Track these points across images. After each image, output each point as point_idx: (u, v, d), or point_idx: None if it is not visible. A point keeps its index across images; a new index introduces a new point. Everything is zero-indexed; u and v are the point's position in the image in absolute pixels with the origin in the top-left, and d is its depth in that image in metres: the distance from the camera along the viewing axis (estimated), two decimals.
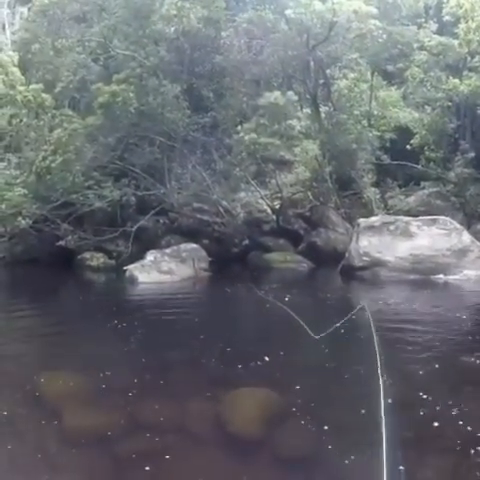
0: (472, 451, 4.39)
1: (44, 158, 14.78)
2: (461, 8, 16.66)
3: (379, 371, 4.53)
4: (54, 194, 14.71)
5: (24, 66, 17.69)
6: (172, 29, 15.60)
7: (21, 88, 16.23)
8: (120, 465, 4.38)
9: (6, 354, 7.23)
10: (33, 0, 17.60)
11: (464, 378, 6.29)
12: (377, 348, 4.84)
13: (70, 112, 16.08)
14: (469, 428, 4.79)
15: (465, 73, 17.50)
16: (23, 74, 17.19)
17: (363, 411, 5.04)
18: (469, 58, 17.61)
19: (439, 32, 18.27)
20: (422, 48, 17.48)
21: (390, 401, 4.40)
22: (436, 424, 4.88)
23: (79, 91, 16.72)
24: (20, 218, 14.49)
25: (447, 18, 17.40)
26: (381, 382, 4.26)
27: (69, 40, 16.57)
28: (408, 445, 4.19)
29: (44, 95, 16.00)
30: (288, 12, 15.54)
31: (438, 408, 5.19)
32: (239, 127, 14.91)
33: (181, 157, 15.52)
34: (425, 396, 5.47)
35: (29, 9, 18.89)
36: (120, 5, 16.56)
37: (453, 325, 8.99)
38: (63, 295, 12.54)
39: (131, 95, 14.77)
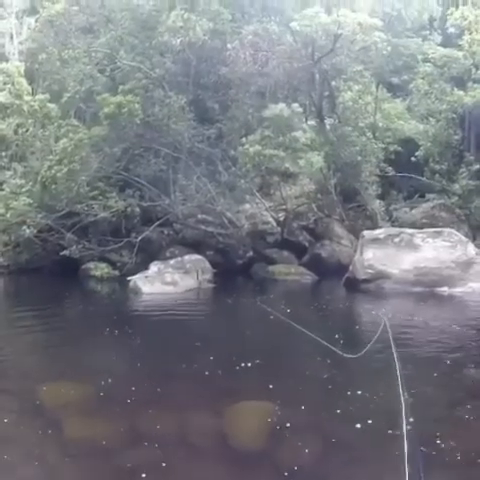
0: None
1: (49, 168, 14.88)
2: (465, 20, 16.75)
3: (400, 389, 4.46)
4: (59, 204, 14.77)
5: (31, 76, 17.90)
6: (178, 41, 15.69)
7: (27, 98, 16.41)
8: (119, 476, 4.39)
9: (8, 363, 7.29)
10: (40, 11, 17.77)
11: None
12: (398, 366, 4.79)
13: (76, 122, 16.18)
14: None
15: (470, 85, 17.53)
16: (29, 84, 17.40)
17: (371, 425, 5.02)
18: (474, 70, 17.65)
19: (443, 44, 18.36)
20: (426, 60, 17.54)
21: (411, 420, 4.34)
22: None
23: (85, 102, 16.80)
24: (25, 227, 14.57)
25: (451, 30, 17.54)
26: (402, 399, 4.22)
27: (76, 51, 16.66)
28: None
29: (50, 105, 16.17)
30: (293, 24, 15.65)
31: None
32: (244, 139, 14.97)
33: (186, 168, 15.53)
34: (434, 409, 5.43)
35: (36, 20, 19.05)
36: (126, 17, 16.71)
37: (455, 338, 8.96)
38: (66, 305, 12.55)
39: (137, 106, 14.85)
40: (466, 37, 16.48)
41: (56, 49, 16.78)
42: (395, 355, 5.16)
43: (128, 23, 16.70)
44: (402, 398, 4.37)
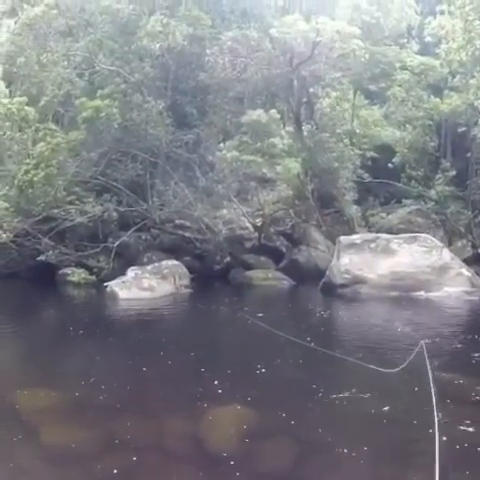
0: None
1: (26, 172, 14.77)
2: (443, 29, 16.94)
3: (431, 383, 4.34)
4: (36, 208, 14.68)
5: (9, 79, 17.73)
6: (157, 45, 15.71)
7: (5, 101, 16.23)
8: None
9: None
10: (20, 13, 17.61)
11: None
12: (432, 385, 4.68)
13: (53, 126, 16.11)
14: None
15: (446, 92, 17.82)
16: (7, 87, 17.23)
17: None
18: (450, 78, 17.93)
19: (421, 52, 18.64)
20: (404, 68, 17.75)
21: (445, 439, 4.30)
22: None
23: (63, 105, 16.73)
24: (1, 232, 14.39)
25: (429, 39, 17.70)
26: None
27: (54, 54, 16.53)
28: None
29: (28, 108, 16.01)
30: (272, 31, 15.81)
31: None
32: (222, 144, 15.05)
33: (164, 173, 15.56)
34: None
35: (16, 22, 18.86)
36: (106, 20, 16.68)
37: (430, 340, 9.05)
38: (43, 311, 12.47)
39: (115, 110, 14.87)
40: (443, 46, 16.63)
41: (35, 52, 16.64)
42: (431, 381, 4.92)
43: (108, 27, 16.68)
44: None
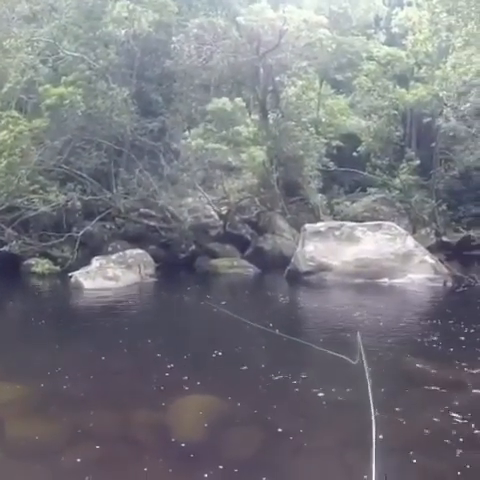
0: None
1: None
2: (409, 21, 17.17)
3: (371, 402, 4.40)
4: None
5: None
6: (123, 32, 15.47)
7: None
8: (62, 475, 4.40)
9: None
10: None
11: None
12: (368, 379, 4.73)
13: (16, 114, 15.73)
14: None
15: (412, 83, 18.13)
16: None
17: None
18: (416, 69, 18.26)
19: (388, 43, 18.91)
20: (370, 58, 18.00)
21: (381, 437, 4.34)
22: None
23: (26, 92, 16.36)
24: None
25: (396, 30, 17.97)
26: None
27: (18, 40, 16.12)
28: None
29: None
30: (239, 19, 15.76)
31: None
32: (187, 132, 14.99)
33: (128, 162, 15.42)
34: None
35: None
36: (71, 6, 16.34)
37: (385, 326, 9.27)
38: (6, 303, 12.29)
39: (79, 98, 14.64)
40: (410, 37, 16.89)
41: None
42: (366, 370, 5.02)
43: (72, 12, 16.33)
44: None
